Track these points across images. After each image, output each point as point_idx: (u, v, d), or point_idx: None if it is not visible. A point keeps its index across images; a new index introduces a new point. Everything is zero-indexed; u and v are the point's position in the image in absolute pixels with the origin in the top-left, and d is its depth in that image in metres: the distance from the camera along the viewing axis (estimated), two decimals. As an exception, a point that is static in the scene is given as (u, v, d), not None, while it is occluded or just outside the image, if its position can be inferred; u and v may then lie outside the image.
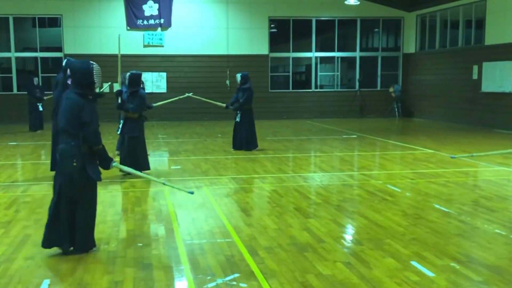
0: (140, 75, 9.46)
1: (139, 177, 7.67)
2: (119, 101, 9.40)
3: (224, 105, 12.85)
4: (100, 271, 4.83)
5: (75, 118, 5.08)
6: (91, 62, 5.29)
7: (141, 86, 9.58)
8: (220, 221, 6.52)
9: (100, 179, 5.29)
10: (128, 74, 9.39)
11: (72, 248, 5.26)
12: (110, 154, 5.52)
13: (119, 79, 10.25)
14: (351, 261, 5.05)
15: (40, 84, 20.46)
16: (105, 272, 4.81)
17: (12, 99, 20.14)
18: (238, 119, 12.48)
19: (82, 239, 5.26)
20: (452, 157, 8.05)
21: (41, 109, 17.00)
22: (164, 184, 5.68)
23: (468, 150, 12.25)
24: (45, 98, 16.97)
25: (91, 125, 5.13)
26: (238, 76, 12.55)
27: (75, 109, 5.09)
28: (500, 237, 5.84)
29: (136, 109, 9.24)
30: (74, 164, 5.06)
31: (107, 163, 5.35)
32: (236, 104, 12.48)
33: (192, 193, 5.67)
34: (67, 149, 5.07)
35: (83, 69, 5.23)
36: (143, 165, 9.37)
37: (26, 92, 17.67)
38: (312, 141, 14.89)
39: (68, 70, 6.13)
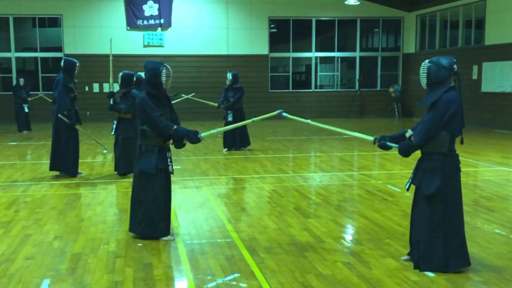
0: (132, 75, 9.32)
1: None
2: (111, 102, 9.33)
3: (216, 104, 12.89)
4: (100, 271, 4.83)
5: None
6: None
7: (133, 86, 9.44)
8: (220, 221, 6.52)
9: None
10: (120, 74, 9.30)
11: None
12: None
13: (111, 80, 10.26)
14: (351, 261, 5.05)
15: (41, 83, 20.50)
16: (105, 272, 4.81)
17: (12, 99, 20.06)
18: (230, 119, 12.39)
19: None
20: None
21: (26, 110, 16.89)
22: None
23: (468, 150, 12.24)
24: (29, 99, 16.96)
25: None
26: (229, 75, 12.50)
27: None
28: (500, 237, 5.84)
29: (128, 109, 9.06)
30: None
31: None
32: (226, 103, 12.51)
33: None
34: None
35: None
36: None
37: (12, 93, 17.50)
38: (312, 141, 14.88)
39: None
